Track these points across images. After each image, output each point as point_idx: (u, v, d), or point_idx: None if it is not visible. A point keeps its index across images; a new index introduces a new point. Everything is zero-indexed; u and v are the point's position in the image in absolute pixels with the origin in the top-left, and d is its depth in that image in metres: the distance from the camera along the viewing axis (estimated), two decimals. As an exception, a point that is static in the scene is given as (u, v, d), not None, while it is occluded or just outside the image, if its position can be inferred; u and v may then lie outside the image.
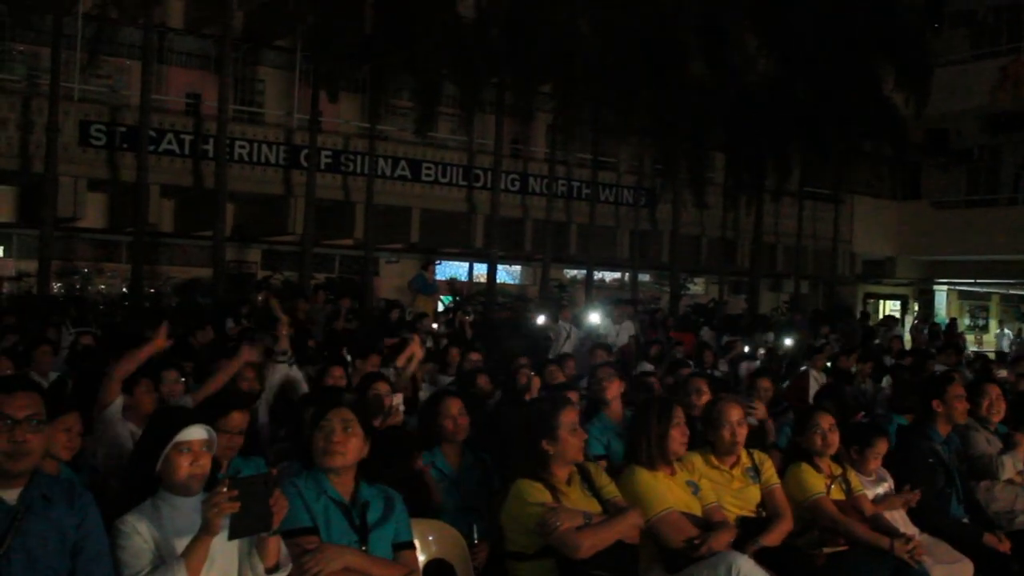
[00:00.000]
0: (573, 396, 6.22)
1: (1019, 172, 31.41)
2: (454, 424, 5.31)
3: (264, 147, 20.62)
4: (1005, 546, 5.68)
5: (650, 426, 4.80)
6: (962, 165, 32.23)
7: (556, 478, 4.37)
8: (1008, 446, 6.23)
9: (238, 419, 4.62)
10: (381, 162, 21.63)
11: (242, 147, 20.18)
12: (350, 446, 3.86)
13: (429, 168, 22.56)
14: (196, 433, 3.51)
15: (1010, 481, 6.19)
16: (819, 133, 24.92)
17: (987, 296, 35.47)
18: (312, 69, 20.34)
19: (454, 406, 5.37)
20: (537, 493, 4.26)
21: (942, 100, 27.42)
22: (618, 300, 19.73)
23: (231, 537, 3.27)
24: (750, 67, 24.89)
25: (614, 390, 6.71)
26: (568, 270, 26.04)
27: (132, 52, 20.30)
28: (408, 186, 22.27)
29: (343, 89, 21.18)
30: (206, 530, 3.24)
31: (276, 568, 3.43)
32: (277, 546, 3.42)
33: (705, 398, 6.33)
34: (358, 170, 21.34)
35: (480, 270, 23.77)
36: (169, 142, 19.36)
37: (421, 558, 4.23)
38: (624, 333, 15.93)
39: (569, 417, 4.43)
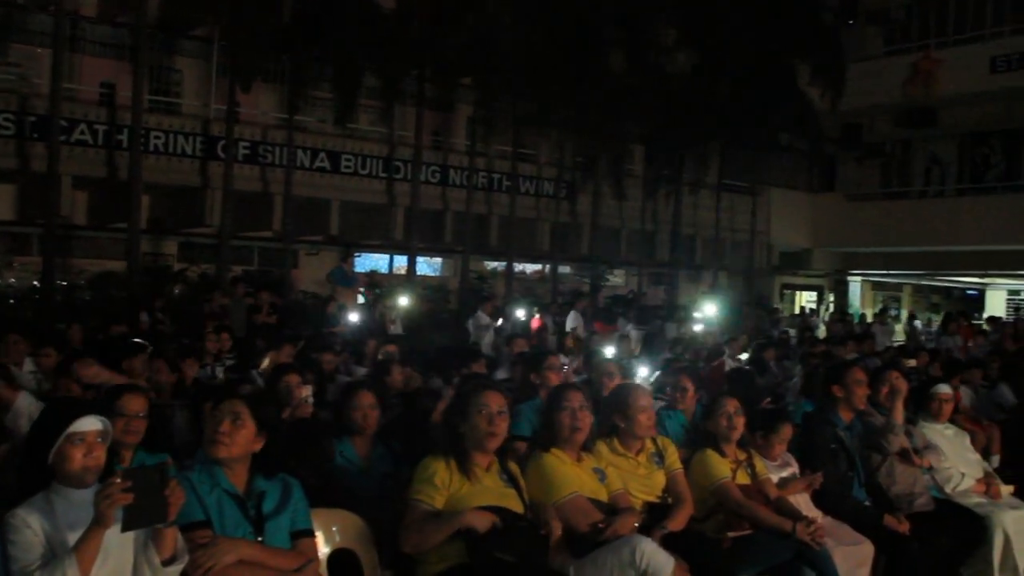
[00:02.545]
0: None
1: (929, 166, 32.18)
2: (364, 417, 5.34)
3: (180, 138, 20.34)
4: (904, 527, 5.83)
5: (552, 410, 4.83)
6: (875, 158, 32.90)
7: (473, 461, 4.38)
8: (889, 425, 6.38)
9: (133, 402, 4.56)
10: (300, 153, 21.45)
11: (157, 138, 19.88)
12: (237, 437, 3.82)
13: (349, 160, 22.44)
14: (90, 424, 3.43)
15: (907, 462, 6.36)
16: (736, 126, 25.26)
17: (899, 287, 36.25)
18: (229, 59, 20.09)
19: (366, 399, 5.39)
20: (441, 469, 4.29)
21: (856, 95, 27.95)
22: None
23: (124, 529, 3.22)
24: (669, 61, 25.13)
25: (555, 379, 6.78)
26: (489, 262, 26.06)
27: (43, 40, 19.85)
28: (327, 178, 22.14)
29: (262, 79, 20.97)
30: (98, 522, 3.18)
31: (173, 560, 3.38)
32: (173, 538, 3.38)
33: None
34: (276, 161, 21.15)
35: (400, 262, 23.69)
36: (82, 132, 18.99)
37: (325, 549, 4.22)
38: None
39: (485, 400, 4.42)
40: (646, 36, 24.34)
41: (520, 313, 16.44)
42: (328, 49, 19.89)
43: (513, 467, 4.57)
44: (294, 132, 20.88)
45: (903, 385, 6.44)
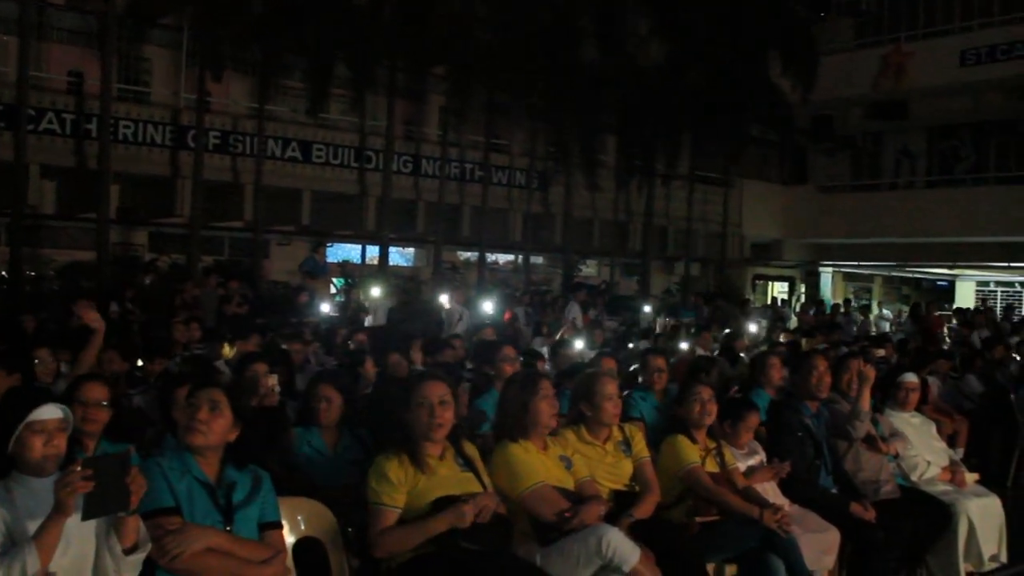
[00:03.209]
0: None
1: (900, 158, 32.39)
2: (328, 407, 5.35)
3: (150, 127, 20.21)
4: (870, 515, 5.88)
5: (516, 399, 4.83)
6: (846, 151, 33.07)
7: (425, 451, 4.36)
8: (855, 412, 6.43)
9: (91, 390, 4.52)
10: (271, 143, 21.35)
11: (127, 127, 19.75)
12: (215, 426, 3.81)
13: (320, 149, 22.36)
14: (50, 412, 3.41)
15: (873, 449, 6.41)
16: (709, 118, 25.34)
17: (870, 278, 36.47)
18: (200, 48, 19.95)
19: (326, 391, 5.40)
20: (394, 467, 4.27)
21: (827, 87, 28.08)
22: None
23: (85, 517, 3.19)
24: (642, 52, 25.17)
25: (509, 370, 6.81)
26: (461, 252, 26.03)
27: (9, 27, 19.65)
28: (299, 167, 22.05)
29: (232, 68, 20.85)
30: (59, 511, 3.16)
31: (135, 548, 3.36)
32: (135, 526, 3.36)
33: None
34: (247, 151, 21.04)
35: (373, 252, 23.63)
36: (50, 121, 18.84)
37: (291, 537, 4.20)
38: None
39: (432, 390, 4.39)
40: (619, 27, 24.37)
41: (488, 304, 16.42)
42: (299, 38, 19.78)
43: (469, 448, 4.56)
44: (265, 121, 20.78)
45: (870, 373, 6.49)
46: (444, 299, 16.22)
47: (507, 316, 17.02)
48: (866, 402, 6.38)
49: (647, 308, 18.77)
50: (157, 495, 3.59)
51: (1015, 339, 15.30)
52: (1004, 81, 27.31)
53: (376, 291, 17.23)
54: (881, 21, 30.71)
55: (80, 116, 19.10)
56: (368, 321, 14.98)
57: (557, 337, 12.21)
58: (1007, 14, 27.17)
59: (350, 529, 4.54)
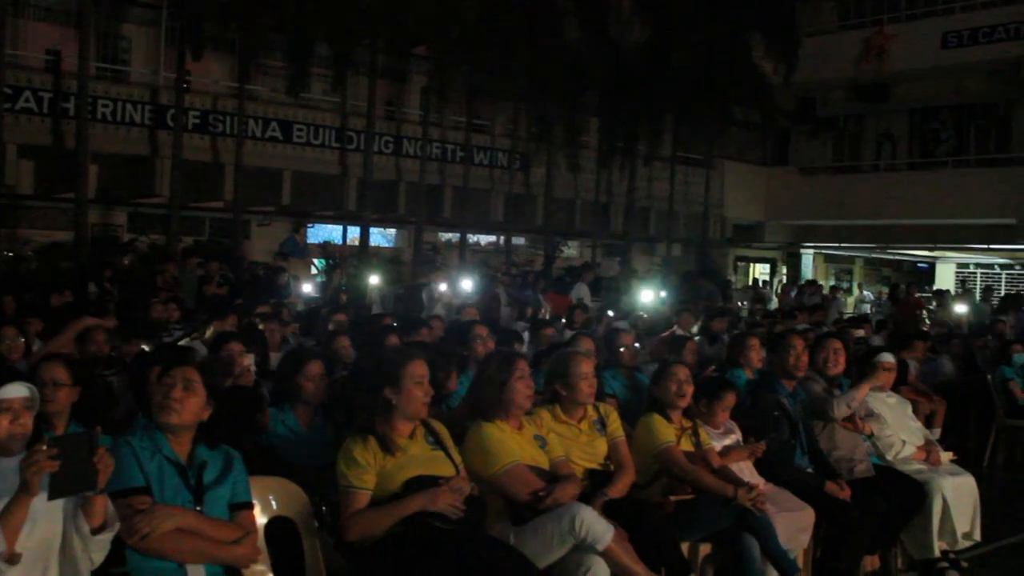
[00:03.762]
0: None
1: (881, 140, 32.46)
2: (313, 386, 5.33)
3: (129, 106, 20.00)
4: (846, 493, 5.91)
5: (492, 379, 4.82)
6: (828, 133, 33.13)
7: (396, 431, 4.35)
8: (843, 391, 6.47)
9: (52, 371, 4.46)
10: (251, 123, 21.21)
11: (105, 106, 19.55)
12: (188, 404, 3.79)
13: (301, 129, 22.21)
14: (15, 391, 3.39)
15: (849, 427, 6.44)
16: (691, 99, 25.32)
17: (851, 260, 36.61)
18: (179, 26, 19.79)
19: (315, 368, 5.37)
20: (360, 450, 4.25)
21: (809, 69, 28.11)
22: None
23: (51, 497, 3.16)
24: (624, 33, 25.11)
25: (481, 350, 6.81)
26: (442, 233, 25.99)
27: (-14, 5, 19.45)
28: (279, 147, 21.89)
29: (212, 47, 20.68)
30: (24, 490, 3.13)
31: (103, 528, 3.33)
32: (103, 506, 3.32)
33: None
34: (227, 131, 20.88)
35: (354, 233, 23.56)
36: (27, 100, 18.62)
37: (263, 517, 4.19)
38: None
39: (417, 369, 4.39)
40: (601, 8, 24.31)
41: (468, 284, 16.43)
42: (280, 17, 19.65)
43: (438, 426, 4.55)
44: (245, 101, 20.64)
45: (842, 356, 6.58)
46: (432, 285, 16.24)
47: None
48: (862, 392, 6.43)
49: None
50: (127, 475, 3.58)
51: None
52: (985, 64, 27.39)
53: (375, 279, 17.22)
54: (864, 3, 30.74)
55: (58, 95, 18.90)
56: (375, 310, 14.94)
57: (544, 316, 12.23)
58: (988, -4, 27.28)
59: (324, 508, 4.54)
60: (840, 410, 6.34)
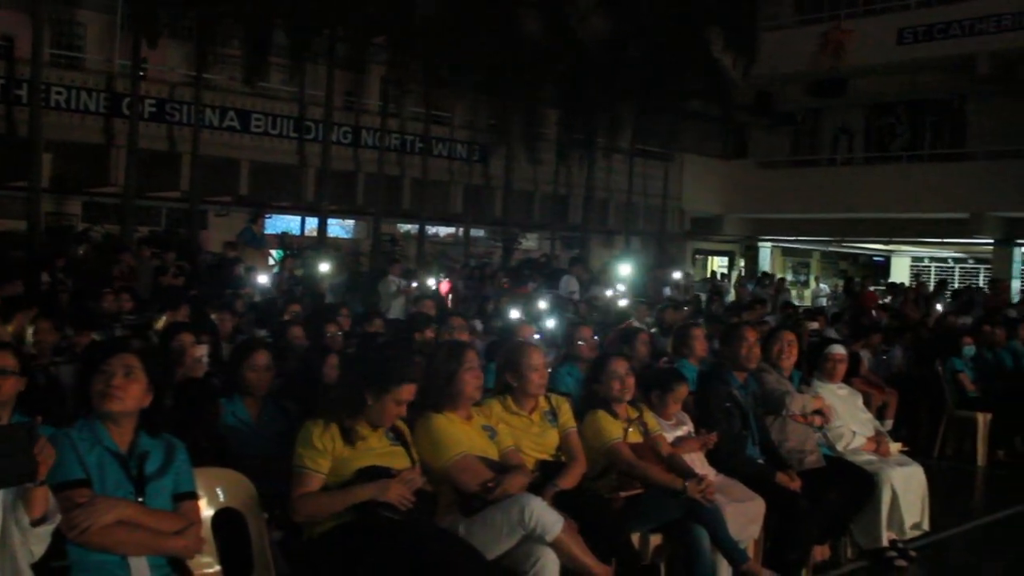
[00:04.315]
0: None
1: (838, 134, 32.73)
2: (258, 376, 5.30)
3: (83, 94, 19.71)
4: (796, 484, 5.97)
5: (440, 370, 4.82)
6: (786, 126, 33.34)
7: (360, 424, 4.34)
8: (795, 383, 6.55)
9: (1, 359, 4.40)
10: (208, 112, 20.98)
11: (59, 93, 19.26)
12: (130, 391, 3.72)
13: (259, 119, 22.00)
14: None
15: (802, 414, 6.50)
16: (650, 92, 25.40)
17: (808, 253, 36.91)
18: (135, 13, 19.55)
19: (259, 358, 5.34)
20: (320, 434, 4.24)
21: (768, 63, 28.24)
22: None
23: None
24: (584, 25, 25.11)
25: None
26: (401, 224, 25.91)
27: (-65, -10, 19.18)
28: (237, 137, 21.68)
29: (169, 35, 20.48)
30: None
31: (43, 520, 3.28)
32: (44, 497, 3.27)
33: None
34: (184, 120, 20.66)
35: (312, 224, 23.43)
36: (-22, 87, 18.40)
37: (210, 510, 4.15)
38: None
39: (403, 394, 4.37)
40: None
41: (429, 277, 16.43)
42: (238, 4, 19.48)
43: (400, 424, 4.54)
44: (202, 90, 20.44)
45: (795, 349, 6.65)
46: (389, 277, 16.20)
47: (446, 288, 17.02)
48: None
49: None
50: (66, 467, 3.51)
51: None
52: (940, 60, 27.62)
53: (324, 267, 17.14)
54: (821, -1, 30.97)
55: (10, 82, 18.59)
56: (329, 298, 14.87)
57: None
58: (944, -7, 27.56)
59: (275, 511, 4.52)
60: (795, 407, 6.40)
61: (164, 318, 8.14)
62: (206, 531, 4.02)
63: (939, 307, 18.53)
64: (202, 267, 17.24)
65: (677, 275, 22.49)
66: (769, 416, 6.43)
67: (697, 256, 34.03)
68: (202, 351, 6.09)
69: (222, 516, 4.23)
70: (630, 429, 5.50)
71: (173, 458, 3.84)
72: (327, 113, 21.84)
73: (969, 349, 11.09)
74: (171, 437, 3.92)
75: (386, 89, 23.67)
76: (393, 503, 4.12)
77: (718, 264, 34.87)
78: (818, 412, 6.62)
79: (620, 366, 5.59)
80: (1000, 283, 22.74)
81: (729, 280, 28.36)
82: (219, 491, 4.23)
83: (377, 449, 4.35)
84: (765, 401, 6.42)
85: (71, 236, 18.73)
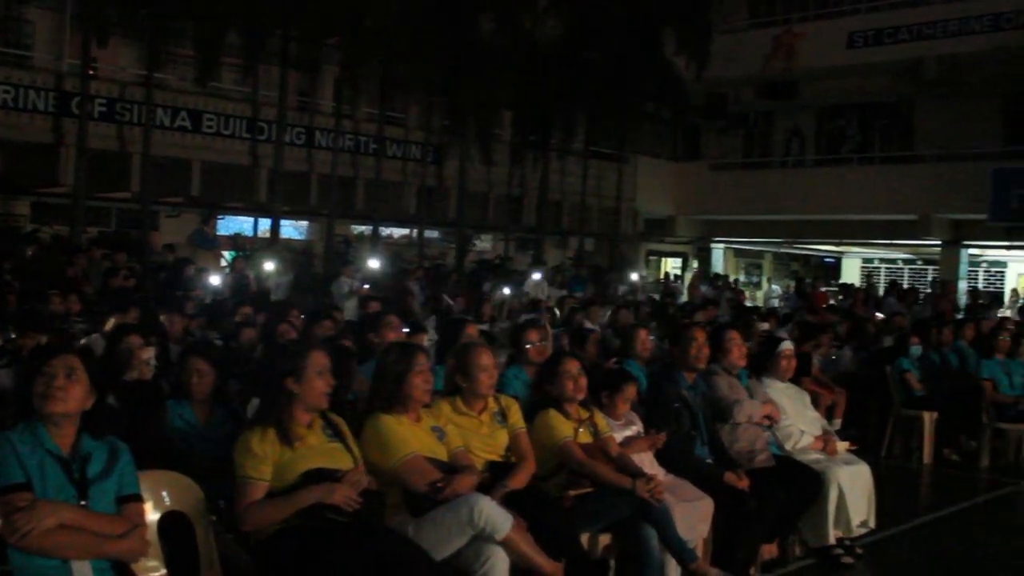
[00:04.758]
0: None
1: (790, 137, 33.03)
2: (199, 380, 5.27)
3: (32, 93, 19.45)
4: (744, 483, 6.02)
5: (390, 372, 4.81)
6: (739, 129, 33.59)
7: (295, 421, 4.33)
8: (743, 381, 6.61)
9: None
10: (160, 112, 20.78)
11: (7, 91, 18.99)
12: (72, 392, 3.68)
13: (211, 119, 21.80)
14: None
15: (749, 422, 6.55)
16: (603, 94, 25.49)
17: (761, 254, 37.21)
18: (85, 11, 19.32)
19: (197, 363, 5.32)
20: (258, 441, 4.23)
21: (721, 66, 28.36)
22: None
23: None
24: (538, 27, 25.17)
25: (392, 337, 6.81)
26: (355, 226, 25.81)
27: None
28: (188, 137, 21.47)
29: (120, 34, 20.25)
30: None
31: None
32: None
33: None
34: (135, 120, 20.44)
35: (265, 225, 23.27)
36: (-77, 86, 18.11)
37: (155, 513, 4.12)
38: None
39: (320, 359, 4.39)
40: (516, 1, 24.33)
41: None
42: (189, 3, 19.31)
43: (336, 419, 4.53)
44: (154, 90, 20.23)
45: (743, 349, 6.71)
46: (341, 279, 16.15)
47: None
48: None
49: (536, 276, 18.88)
50: (7, 470, 3.48)
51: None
52: (889, 64, 27.99)
53: (269, 265, 17.05)
54: (774, 3, 31.23)
55: (-44, 81, 18.38)
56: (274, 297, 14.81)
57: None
58: (893, -2, 27.96)
59: (221, 503, 4.49)
60: (742, 416, 6.46)
61: (112, 320, 8.06)
62: (151, 534, 3.99)
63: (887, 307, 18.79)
64: (152, 269, 17.09)
65: (635, 276, 22.64)
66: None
67: (651, 257, 34.20)
68: (150, 353, 6.04)
69: (168, 519, 4.20)
70: (580, 429, 5.53)
71: (117, 460, 3.80)
72: (280, 113, 21.71)
73: (916, 349, 11.24)
74: (115, 439, 3.87)
75: (340, 89, 23.55)
76: (340, 505, 4.12)
77: (671, 265, 35.06)
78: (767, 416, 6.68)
79: (573, 366, 5.62)
80: (947, 284, 23.09)
81: (683, 281, 28.55)
82: (165, 494, 4.20)
83: (317, 447, 4.33)
84: (716, 408, 6.47)
85: (19, 237, 18.49)
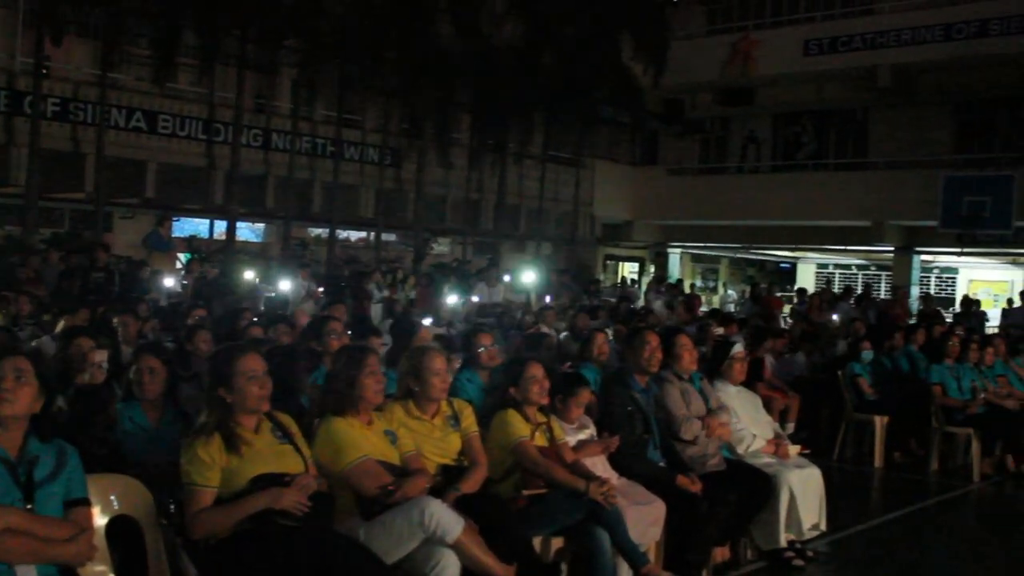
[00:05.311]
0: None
1: (746, 143, 33.31)
2: (152, 378, 5.23)
3: (-18, 92, 19.27)
4: (696, 487, 6.05)
5: (343, 373, 4.80)
6: (696, 134, 33.83)
7: (241, 426, 4.30)
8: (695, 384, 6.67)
9: None
10: (115, 112, 20.56)
11: (-43, 91, 18.82)
12: (20, 395, 3.63)
13: (166, 120, 21.62)
14: None
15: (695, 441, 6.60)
16: (561, 98, 25.57)
17: (717, 259, 37.46)
18: (38, 9, 19.10)
19: (148, 362, 5.27)
20: (203, 447, 4.19)
21: (678, 72, 28.57)
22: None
23: None
24: (497, 31, 25.20)
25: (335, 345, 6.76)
26: (312, 228, 25.70)
27: None
28: (144, 138, 21.28)
29: (74, 32, 20.04)
30: None
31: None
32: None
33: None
34: (89, 120, 20.23)
35: (221, 227, 23.09)
36: None
37: (103, 518, 4.06)
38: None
39: (248, 364, 4.34)
40: (474, 4, 24.35)
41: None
42: (145, 2, 19.14)
43: (285, 419, 4.52)
44: (108, 90, 20.02)
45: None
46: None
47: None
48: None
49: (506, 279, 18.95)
50: (-48, 475, 3.44)
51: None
52: (844, 72, 28.33)
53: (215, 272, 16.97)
54: (731, 10, 31.47)
55: (-95, 78, 18.10)
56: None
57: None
58: (848, 7, 28.25)
59: (172, 506, 4.45)
60: (688, 435, 6.50)
61: (62, 322, 7.97)
62: (99, 538, 3.94)
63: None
64: (108, 271, 16.91)
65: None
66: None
67: (608, 262, 34.32)
68: (102, 356, 5.97)
69: (118, 524, 4.15)
70: (537, 432, 5.54)
71: (64, 464, 3.75)
72: (237, 115, 21.56)
73: (868, 354, 11.37)
74: (63, 442, 3.83)
75: (297, 92, 23.45)
76: (289, 510, 4.10)
77: (628, 270, 35.21)
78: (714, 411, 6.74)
79: (538, 370, 5.65)
80: (900, 290, 23.37)
81: (639, 286, 28.66)
82: (113, 498, 4.15)
83: (265, 452, 4.30)
84: (664, 421, 6.50)
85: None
